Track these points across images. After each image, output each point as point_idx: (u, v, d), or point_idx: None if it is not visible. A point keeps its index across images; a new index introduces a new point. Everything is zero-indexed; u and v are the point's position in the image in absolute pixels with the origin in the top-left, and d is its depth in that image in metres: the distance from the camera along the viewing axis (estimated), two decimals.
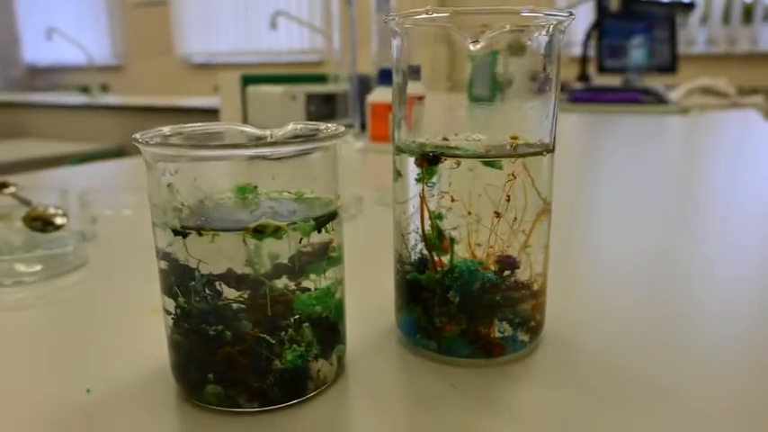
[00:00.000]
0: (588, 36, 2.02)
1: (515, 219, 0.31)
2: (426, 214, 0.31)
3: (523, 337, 0.32)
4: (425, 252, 0.31)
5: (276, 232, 0.25)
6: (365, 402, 0.28)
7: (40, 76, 5.06)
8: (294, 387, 0.27)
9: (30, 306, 0.40)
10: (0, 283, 0.43)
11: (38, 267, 0.44)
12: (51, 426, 0.26)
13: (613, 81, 2.04)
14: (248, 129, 0.30)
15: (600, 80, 2.07)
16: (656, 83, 2.00)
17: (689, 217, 0.63)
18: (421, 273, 0.31)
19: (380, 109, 0.98)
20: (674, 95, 1.95)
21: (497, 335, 0.31)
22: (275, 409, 0.27)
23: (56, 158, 2.44)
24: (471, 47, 0.32)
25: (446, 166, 0.30)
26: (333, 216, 0.28)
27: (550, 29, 0.31)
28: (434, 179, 0.30)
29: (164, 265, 0.27)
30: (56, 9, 4.79)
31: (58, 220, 0.50)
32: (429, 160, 0.29)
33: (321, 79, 1.16)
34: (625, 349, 0.33)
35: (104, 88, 3.52)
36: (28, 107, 3.42)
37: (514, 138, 0.33)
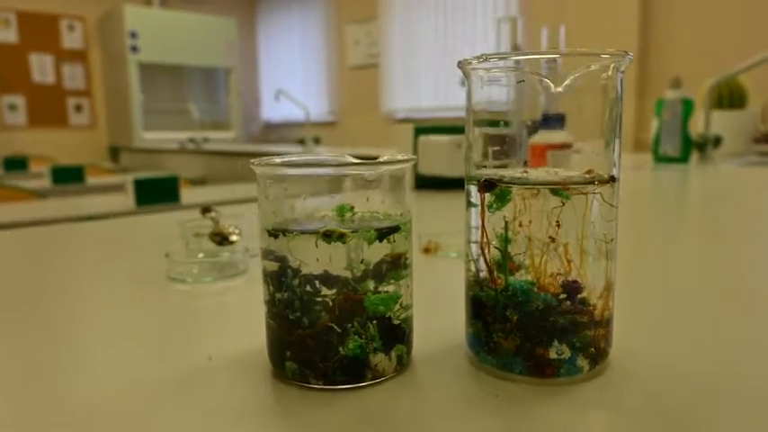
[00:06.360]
0: None
1: (567, 244, 0.32)
2: (487, 237, 0.34)
3: (582, 362, 0.33)
4: (487, 271, 0.34)
5: (341, 238, 0.31)
6: (413, 397, 0.32)
7: (273, 130, 5.98)
8: (354, 373, 0.32)
9: (201, 297, 0.52)
10: (184, 281, 0.55)
11: (210, 271, 0.56)
12: (178, 376, 0.35)
13: None
14: (351, 158, 0.37)
15: None
16: None
17: None
18: (482, 291, 0.34)
19: (539, 149, 1.01)
20: None
21: (554, 356, 0.32)
22: (337, 389, 0.32)
23: None
24: (553, 89, 0.35)
25: (513, 194, 0.33)
26: (394, 229, 0.32)
27: (618, 68, 0.32)
28: (496, 205, 0.33)
29: (264, 260, 0.34)
30: (287, 73, 5.67)
31: (233, 237, 0.63)
32: (486, 186, 0.33)
33: (506, 124, 1.23)
34: (695, 397, 0.31)
35: (317, 140, 4.01)
36: (256, 156, 4.06)
37: (589, 172, 0.34)
